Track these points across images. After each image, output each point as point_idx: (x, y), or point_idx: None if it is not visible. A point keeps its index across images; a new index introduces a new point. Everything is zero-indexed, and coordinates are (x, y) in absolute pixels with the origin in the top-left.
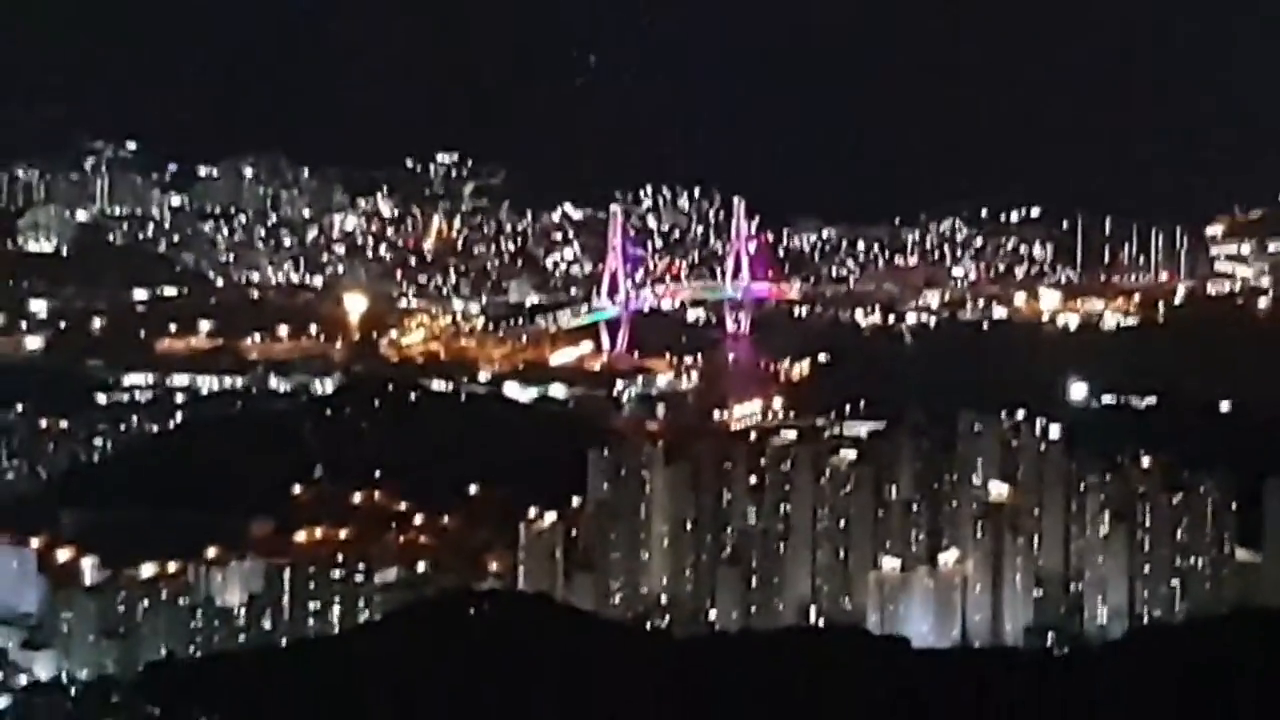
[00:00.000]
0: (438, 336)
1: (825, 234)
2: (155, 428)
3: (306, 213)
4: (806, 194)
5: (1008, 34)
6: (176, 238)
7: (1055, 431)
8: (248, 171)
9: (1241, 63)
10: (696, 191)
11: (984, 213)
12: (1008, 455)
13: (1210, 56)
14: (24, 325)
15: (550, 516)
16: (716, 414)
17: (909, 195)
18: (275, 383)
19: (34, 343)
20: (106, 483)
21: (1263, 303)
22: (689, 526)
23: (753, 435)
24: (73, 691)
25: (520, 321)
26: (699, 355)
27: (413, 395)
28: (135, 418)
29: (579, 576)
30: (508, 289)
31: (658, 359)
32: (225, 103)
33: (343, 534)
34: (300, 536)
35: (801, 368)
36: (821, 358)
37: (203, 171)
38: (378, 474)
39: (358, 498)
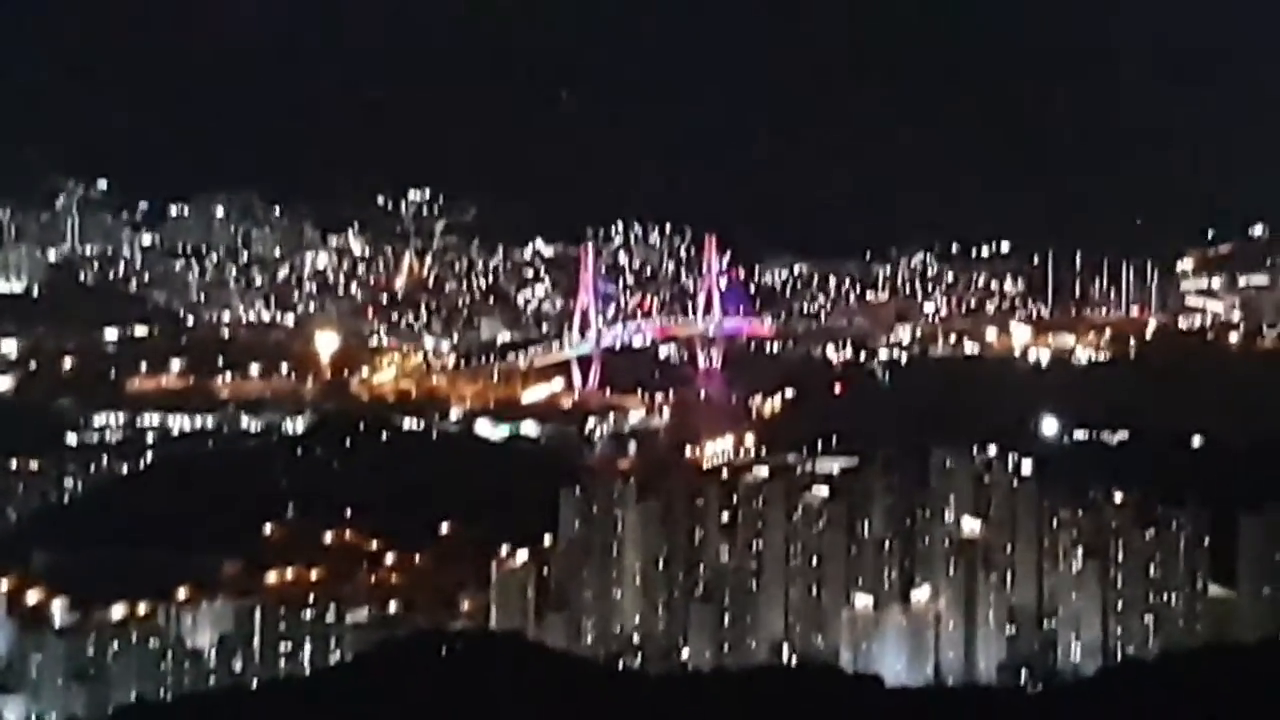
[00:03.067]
0: (409, 374)
1: (796, 269)
2: (126, 467)
3: (278, 251)
4: (777, 230)
5: (978, 72)
6: (147, 276)
7: (1027, 467)
8: (219, 210)
9: (1210, 100)
10: (668, 228)
11: (955, 248)
12: (980, 491)
13: (1180, 94)
14: None
15: (522, 555)
16: (688, 451)
17: (880, 231)
18: (246, 422)
19: (4, 383)
20: (77, 523)
21: (1233, 337)
22: (661, 564)
23: (725, 472)
24: None
25: (492, 359)
26: (670, 392)
27: (384, 434)
28: (106, 457)
29: (551, 615)
30: (479, 326)
31: (629, 396)
32: (196, 141)
33: (314, 573)
34: (271, 576)
35: (773, 404)
36: (790, 393)
37: (174, 210)
38: (349, 513)
39: (329, 537)
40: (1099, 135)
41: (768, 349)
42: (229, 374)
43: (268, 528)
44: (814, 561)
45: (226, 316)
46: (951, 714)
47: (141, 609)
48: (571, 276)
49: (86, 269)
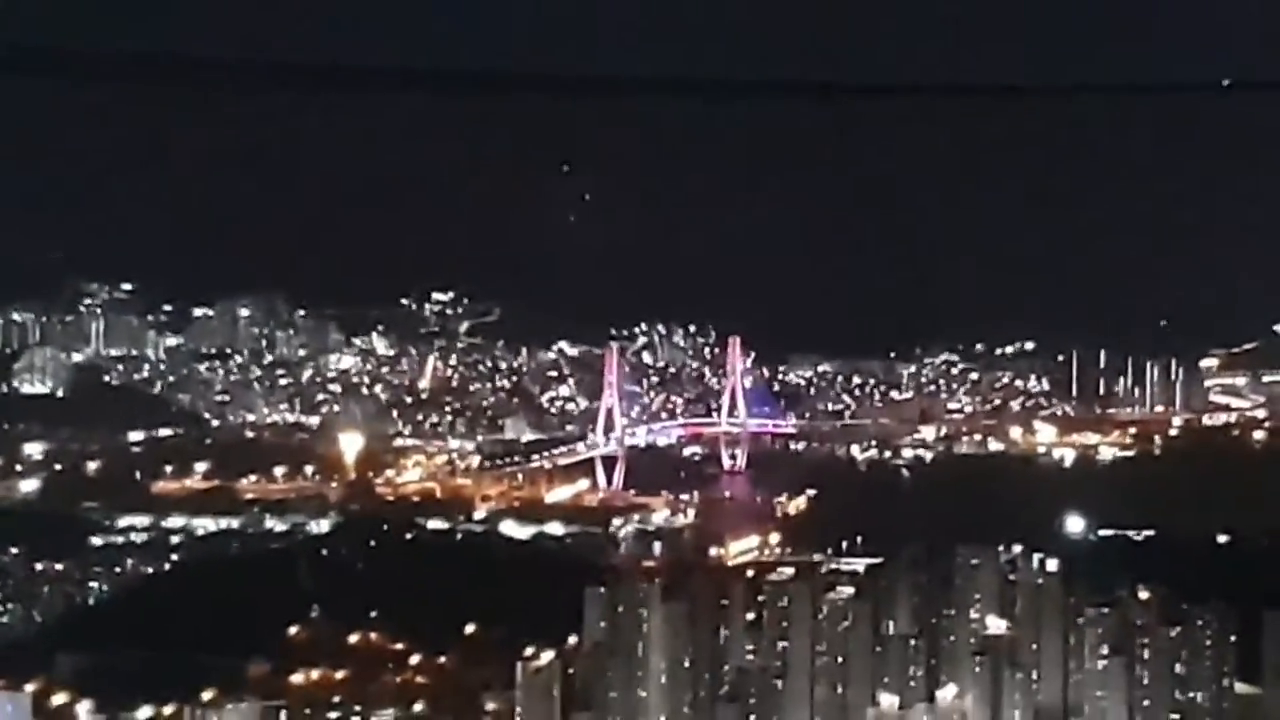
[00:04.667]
0: (434, 475)
1: (821, 369)
2: (151, 569)
3: (302, 352)
4: (802, 329)
5: (1004, 171)
6: (172, 379)
7: (1052, 565)
8: (243, 312)
9: (1233, 197)
10: (692, 328)
11: (979, 347)
12: (1005, 589)
13: (1203, 191)
14: (19, 468)
15: (547, 655)
16: (713, 550)
17: (904, 330)
18: (271, 523)
19: (29, 485)
20: (102, 626)
21: (1258, 434)
22: (687, 664)
23: (750, 572)
24: None
25: (516, 459)
26: (695, 491)
27: (409, 534)
28: (130, 560)
29: (577, 715)
30: (504, 426)
31: (654, 495)
32: (220, 244)
33: (339, 674)
34: (297, 677)
35: (798, 503)
36: (811, 493)
37: (198, 312)
38: (374, 614)
39: (354, 638)
40: (1123, 235)
41: (792, 448)
42: (253, 475)
43: (292, 629)
44: (839, 660)
45: (251, 418)
46: None
47: (167, 711)
48: (596, 377)
49: (111, 371)
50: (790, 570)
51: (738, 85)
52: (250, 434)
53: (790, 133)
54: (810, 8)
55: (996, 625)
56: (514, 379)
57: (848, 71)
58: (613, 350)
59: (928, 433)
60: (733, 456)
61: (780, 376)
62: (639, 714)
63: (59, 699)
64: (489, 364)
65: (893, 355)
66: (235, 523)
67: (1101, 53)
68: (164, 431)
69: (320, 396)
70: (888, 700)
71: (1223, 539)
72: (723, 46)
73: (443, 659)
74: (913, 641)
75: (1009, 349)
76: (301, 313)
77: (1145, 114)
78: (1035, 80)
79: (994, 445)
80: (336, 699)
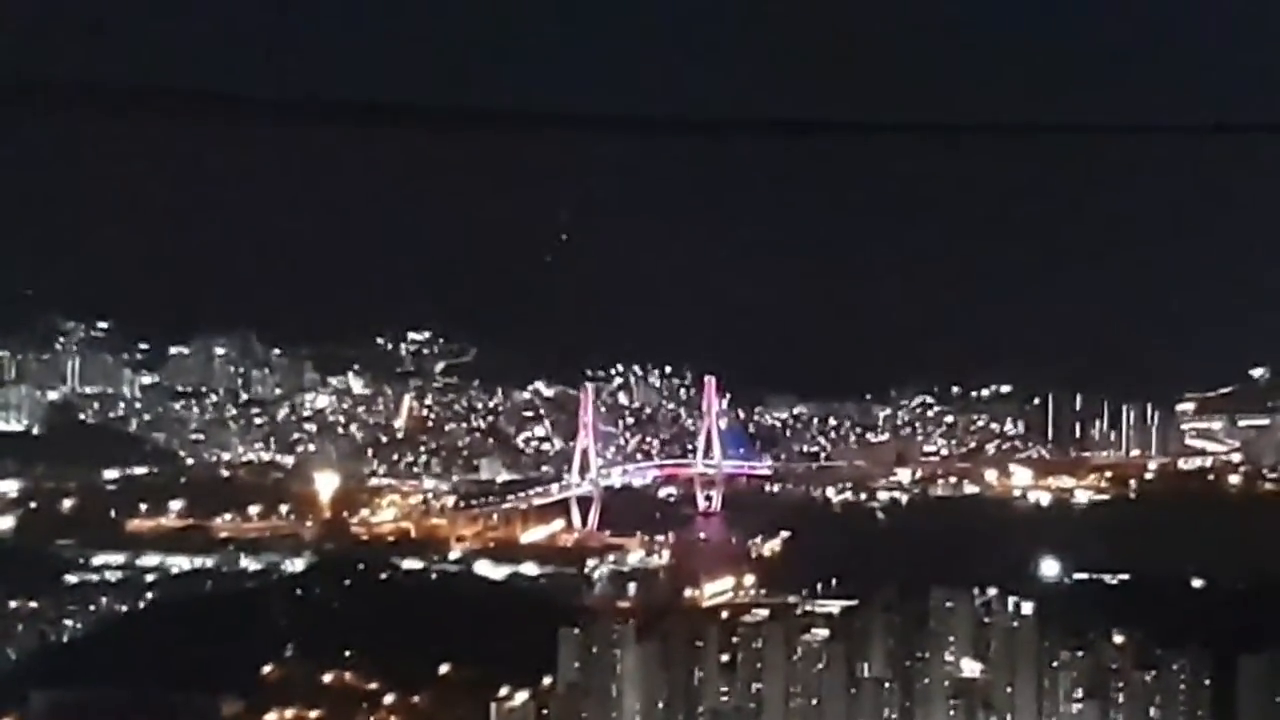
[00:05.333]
0: (409, 514)
1: (797, 410)
2: (125, 607)
3: (277, 391)
4: (778, 371)
5: (979, 213)
6: (147, 416)
7: (1027, 608)
8: (219, 351)
9: (1211, 243)
10: (668, 369)
11: (955, 389)
12: (980, 632)
13: (1183, 236)
14: None
15: (522, 695)
16: (688, 591)
17: (880, 372)
18: (246, 562)
19: (4, 523)
20: (75, 663)
21: (1234, 478)
22: (661, 705)
23: (724, 613)
24: None
25: (491, 499)
26: (670, 532)
27: (384, 574)
28: (105, 598)
29: None
30: (479, 466)
31: (629, 536)
32: (195, 282)
33: (313, 715)
34: (271, 717)
35: (773, 544)
36: (786, 534)
37: (173, 351)
38: (349, 653)
39: (328, 677)
40: (1099, 279)
41: (767, 489)
42: (228, 514)
43: (267, 668)
44: (814, 702)
45: (226, 456)
46: None
47: None
48: (571, 417)
49: (87, 409)
50: (765, 612)
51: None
52: (225, 473)
53: (765, 172)
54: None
55: (971, 668)
56: (490, 419)
57: (823, 108)
58: (588, 391)
59: (903, 475)
60: (708, 497)
61: (756, 418)
62: None
63: None
64: (465, 404)
65: (868, 397)
66: (210, 561)
67: (1088, 91)
68: (139, 469)
69: (296, 435)
70: None
71: (1198, 583)
72: (697, 83)
73: (417, 699)
74: (887, 684)
75: (985, 391)
76: (277, 352)
77: (1128, 154)
78: (1014, 117)
79: (969, 488)
80: None
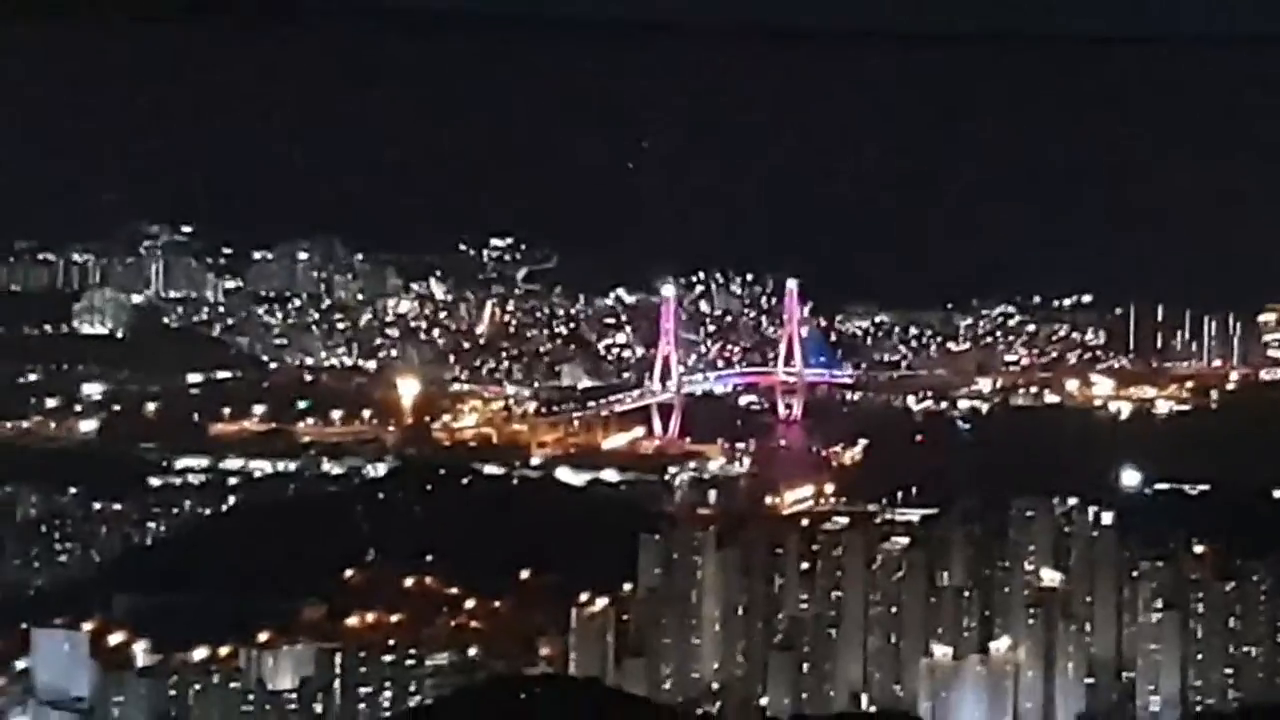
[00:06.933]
0: (490, 420)
1: (878, 319)
2: (208, 511)
3: (360, 297)
4: (859, 279)
5: (1062, 124)
6: (230, 321)
7: (1107, 518)
8: (302, 256)
9: None
10: (749, 276)
11: (1036, 299)
12: (1060, 542)
13: (1261, 150)
14: (78, 409)
15: (601, 602)
16: (768, 499)
17: (961, 281)
18: (328, 466)
19: (88, 426)
20: (159, 566)
21: None
22: (740, 612)
23: (804, 521)
24: None
25: (573, 406)
26: (751, 440)
27: (465, 479)
28: (188, 501)
29: (630, 662)
30: (560, 373)
31: (710, 444)
32: (279, 187)
33: (394, 618)
34: (352, 620)
35: (853, 453)
36: (866, 443)
37: (257, 256)
38: (429, 558)
39: (409, 582)
40: (1181, 188)
41: (848, 398)
42: (311, 419)
43: (348, 572)
44: (893, 610)
45: (309, 362)
46: None
47: (223, 652)
48: (653, 324)
49: (170, 313)
50: (845, 520)
51: (802, 30)
52: (308, 377)
53: (849, 79)
54: None
55: (1051, 577)
56: (571, 326)
57: (916, 19)
58: (669, 298)
59: (984, 384)
60: (789, 405)
61: (837, 326)
62: (692, 661)
63: (116, 639)
64: (546, 310)
65: (949, 306)
66: (292, 466)
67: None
68: (222, 374)
69: (378, 341)
70: (941, 651)
71: (1279, 494)
72: None
73: (497, 604)
74: (966, 593)
75: (1066, 301)
76: (360, 257)
77: (1211, 65)
78: (1106, 29)
79: (1050, 398)
80: (391, 642)
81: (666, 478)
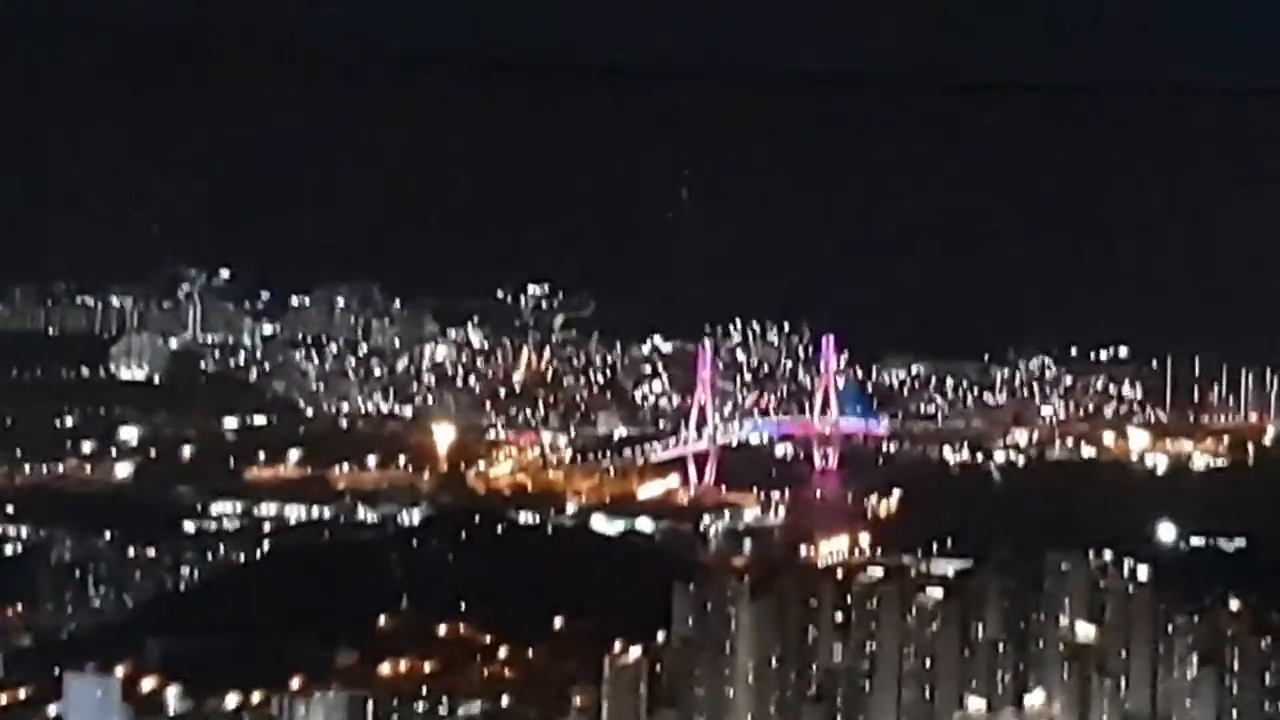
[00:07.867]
0: (525, 468)
1: (914, 370)
2: (242, 556)
3: (397, 342)
4: (896, 330)
5: (1102, 177)
6: (267, 366)
7: (1143, 573)
8: (339, 301)
9: None
10: (786, 326)
11: (1073, 351)
12: (1095, 596)
13: None
14: (114, 452)
15: (635, 651)
16: (803, 550)
17: (999, 333)
18: (362, 512)
19: (124, 470)
20: (192, 611)
21: None
22: (774, 663)
23: (839, 572)
24: None
25: (608, 454)
26: (786, 490)
27: (499, 527)
28: (222, 546)
29: (663, 712)
30: (596, 421)
31: (745, 493)
32: (318, 233)
33: (427, 666)
34: (385, 667)
35: (889, 504)
36: (901, 494)
37: (295, 301)
38: (463, 606)
39: (443, 629)
40: (1219, 241)
41: (884, 449)
42: (346, 464)
43: (382, 619)
44: (927, 663)
45: (345, 407)
46: None
47: (255, 698)
48: (689, 373)
49: (208, 358)
50: (879, 571)
51: (845, 77)
52: (344, 423)
53: (888, 130)
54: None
55: (1086, 631)
56: (607, 374)
57: (956, 68)
58: (706, 347)
59: (1020, 436)
60: (824, 456)
61: (873, 377)
62: (725, 712)
63: (148, 684)
64: (583, 358)
65: (986, 358)
66: (327, 511)
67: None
68: (259, 419)
69: (414, 387)
70: (975, 704)
71: None
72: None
73: (530, 652)
74: (1001, 646)
75: (1103, 354)
76: (397, 303)
77: (1255, 117)
78: (1142, 77)
79: (1087, 451)
80: (424, 689)
81: (701, 527)
